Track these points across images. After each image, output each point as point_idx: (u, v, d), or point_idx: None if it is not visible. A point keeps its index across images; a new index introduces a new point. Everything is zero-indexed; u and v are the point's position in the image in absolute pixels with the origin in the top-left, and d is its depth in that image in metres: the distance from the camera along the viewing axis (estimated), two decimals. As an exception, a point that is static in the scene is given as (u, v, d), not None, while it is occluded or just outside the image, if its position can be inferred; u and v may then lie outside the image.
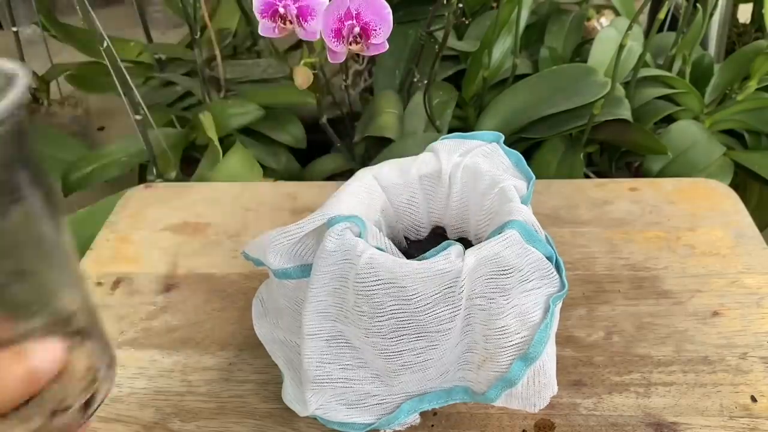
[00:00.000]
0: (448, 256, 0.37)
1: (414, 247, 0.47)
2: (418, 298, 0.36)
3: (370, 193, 0.44)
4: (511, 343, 0.38)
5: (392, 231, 0.46)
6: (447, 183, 0.44)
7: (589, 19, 1.24)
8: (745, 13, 1.22)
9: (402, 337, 0.38)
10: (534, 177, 0.43)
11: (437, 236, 0.47)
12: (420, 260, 0.37)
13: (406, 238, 0.47)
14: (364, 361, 0.41)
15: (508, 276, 0.37)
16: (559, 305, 0.40)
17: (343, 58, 0.50)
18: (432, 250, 0.38)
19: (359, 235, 0.39)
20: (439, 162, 0.44)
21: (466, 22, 1.08)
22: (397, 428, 0.42)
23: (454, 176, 0.43)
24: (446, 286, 0.36)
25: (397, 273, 0.36)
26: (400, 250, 0.43)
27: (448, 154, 0.44)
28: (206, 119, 0.90)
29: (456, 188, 0.44)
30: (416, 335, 0.38)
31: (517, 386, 0.39)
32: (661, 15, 0.84)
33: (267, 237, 0.42)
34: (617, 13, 1.17)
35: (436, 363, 0.39)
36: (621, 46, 0.83)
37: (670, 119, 0.96)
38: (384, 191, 0.45)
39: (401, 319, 0.37)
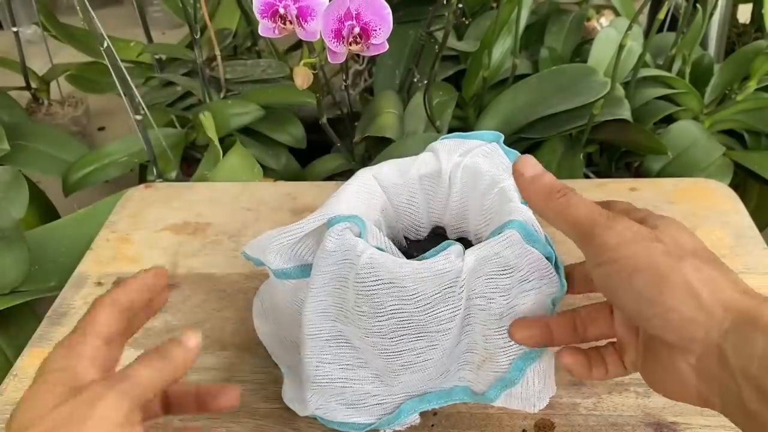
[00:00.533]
0: (448, 256, 0.37)
1: (414, 247, 0.47)
2: (418, 298, 0.36)
3: (370, 193, 0.44)
4: (510, 344, 0.38)
5: (392, 231, 0.46)
6: (447, 183, 0.44)
7: (589, 19, 1.24)
8: (745, 13, 1.22)
9: (402, 337, 0.38)
10: None
11: (437, 236, 0.47)
12: (420, 260, 0.37)
13: (406, 238, 0.47)
14: (364, 360, 0.41)
15: (508, 276, 0.37)
16: (559, 305, 0.40)
17: (343, 59, 0.50)
18: (432, 251, 0.38)
19: (359, 235, 0.39)
20: (439, 162, 0.44)
21: (466, 22, 1.08)
22: (398, 428, 0.42)
23: (454, 176, 0.43)
24: (446, 286, 0.36)
25: (397, 273, 0.36)
26: (399, 249, 0.43)
27: (448, 154, 0.44)
28: (206, 119, 0.90)
29: (456, 188, 0.43)
30: (416, 335, 0.38)
31: (516, 386, 0.39)
32: (661, 15, 0.84)
33: (267, 237, 0.42)
34: (617, 13, 1.18)
35: (436, 363, 0.39)
36: (621, 46, 0.83)
37: (670, 119, 0.96)
38: (384, 191, 0.45)
39: (401, 319, 0.37)
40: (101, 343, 0.31)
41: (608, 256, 0.31)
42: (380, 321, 0.38)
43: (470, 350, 0.40)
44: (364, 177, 0.44)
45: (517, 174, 0.35)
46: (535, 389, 0.40)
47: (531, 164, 0.35)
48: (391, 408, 0.41)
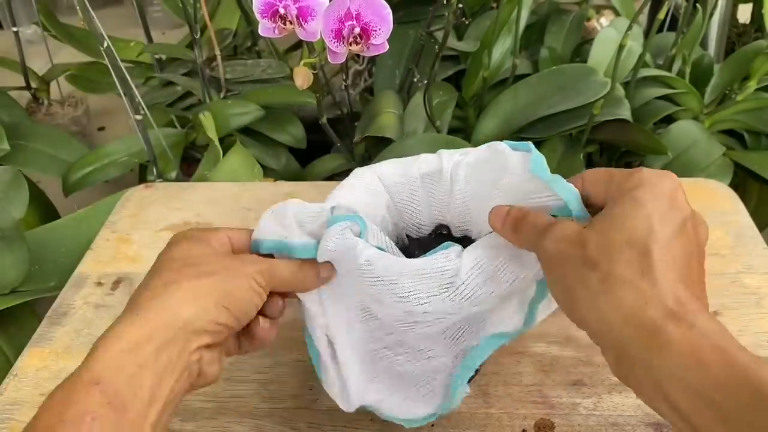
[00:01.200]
0: (448, 255, 0.37)
1: (414, 245, 0.47)
2: (418, 296, 0.37)
3: (375, 192, 0.44)
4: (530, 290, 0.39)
5: (395, 228, 0.46)
6: (448, 180, 0.44)
7: (589, 19, 1.24)
8: (745, 13, 1.22)
9: (413, 325, 0.38)
10: (531, 144, 0.41)
11: (439, 235, 0.47)
12: (419, 259, 0.38)
13: (408, 236, 0.47)
14: (388, 333, 0.41)
15: (510, 271, 0.37)
16: None
17: (343, 59, 0.50)
18: (432, 251, 0.38)
19: (360, 234, 0.39)
20: (440, 161, 0.44)
21: (466, 22, 1.08)
22: (455, 406, 0.41)
23: (455, 174, 0.43)
24: (445, 287, 0.37)
25: (394, 271, 0.36)
26: (401, 248, 0.44)
27: (450, 153, 0.44)
28: (206, 119, 0.90)
29: (458, 186, 0.43)
30: (425, 323, 0.38)
31: (545, 299, 0.39)
32: (661, 15, 0.84)
33: (274, 216, 0.41)
34: (617, 13, 1.18)
35: (451, 330, 0.39)
36: (621, 46, 0.83)
37: (669, 119, 0.96)
38: (386, 190, 0.45)
39: (404, 311, 0.37)
40: (227, 240, 0.39)
41: (544, 269, 0.34)
42: (385, 310, 0.38)
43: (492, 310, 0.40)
44: (365, 175, 0.44)
45: (493, 227, 0.37)
46: None
47: (497, 213, 0.37)
48: (439, 392, 0.41)
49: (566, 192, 0.35)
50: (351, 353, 0.41)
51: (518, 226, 0.35)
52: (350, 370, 0.41)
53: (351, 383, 0.41)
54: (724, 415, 0.25)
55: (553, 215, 0.35)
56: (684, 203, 0.32)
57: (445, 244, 0.38)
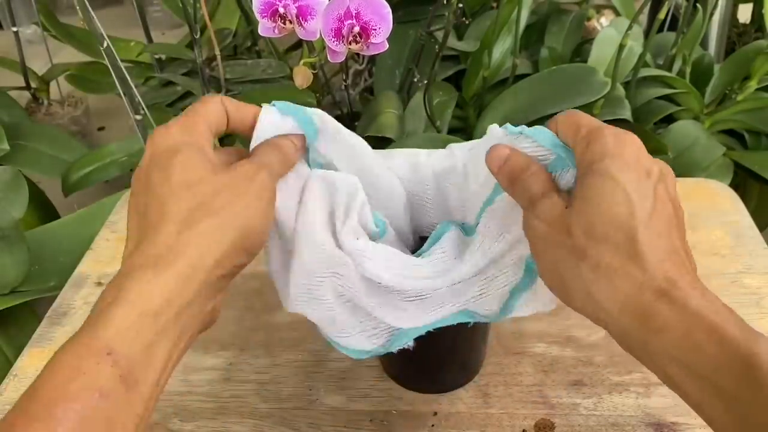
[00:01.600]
0: (445, 258, 0.37)
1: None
2: (417, 293, 0.37)
3: (398, 193, 0.43)
4: (513, 276, 0.38)
5: (408, 227, 0.46)
6: (462, 174, 0.43)
7: (589, 19, 1.24)
8: (745, 13, 1.23)
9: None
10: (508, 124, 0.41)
11: None
12: (419, 257, 0.38)
13: (422, 237, 0.47)
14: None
15: (505, 241, 0.37)
16: None
17: (343, 58, 0.50)
18: (429, 241, 0.38)
19: (377, 233, 0.38)
20: (452, 156, 0.43)
21: (466, 22, 1.08)
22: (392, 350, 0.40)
23: (467, 167, 0.43)
24: (445, 284, 0.37)
25: (394, 273, 0.36)
26: (410, 247, 0.43)
27: (460, 148, 0.44)
28: (206, 119, 0.90)
29: (470, 178, 0.43)
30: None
31: (528, 291, 0.38)
32: (661, 15, 0.84)
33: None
34: (617, 13, 1.18)
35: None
36: (621, 46, 0.83)
37: (670, 119, 0.96)
38: (403, 186, 0.44)
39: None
40: (209, 132, 0.34)
41: (532, 248, 0.33)
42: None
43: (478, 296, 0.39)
44: (378, 162, 0.43)
45: (488, 166, 0.35)
46: (545, 289, 0.39)
47: (497, 153, 0.35)
48: (383, 336, 0.39)
49: (547, 140, 0.35)
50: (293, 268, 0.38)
51: (514, 182, 0.34)
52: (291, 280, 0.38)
53: (291, 290, 0.38)
54: (720, 392, 0.26)
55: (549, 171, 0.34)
56: (650, 165, 0.31)
57: (440, 229, 0.38)
